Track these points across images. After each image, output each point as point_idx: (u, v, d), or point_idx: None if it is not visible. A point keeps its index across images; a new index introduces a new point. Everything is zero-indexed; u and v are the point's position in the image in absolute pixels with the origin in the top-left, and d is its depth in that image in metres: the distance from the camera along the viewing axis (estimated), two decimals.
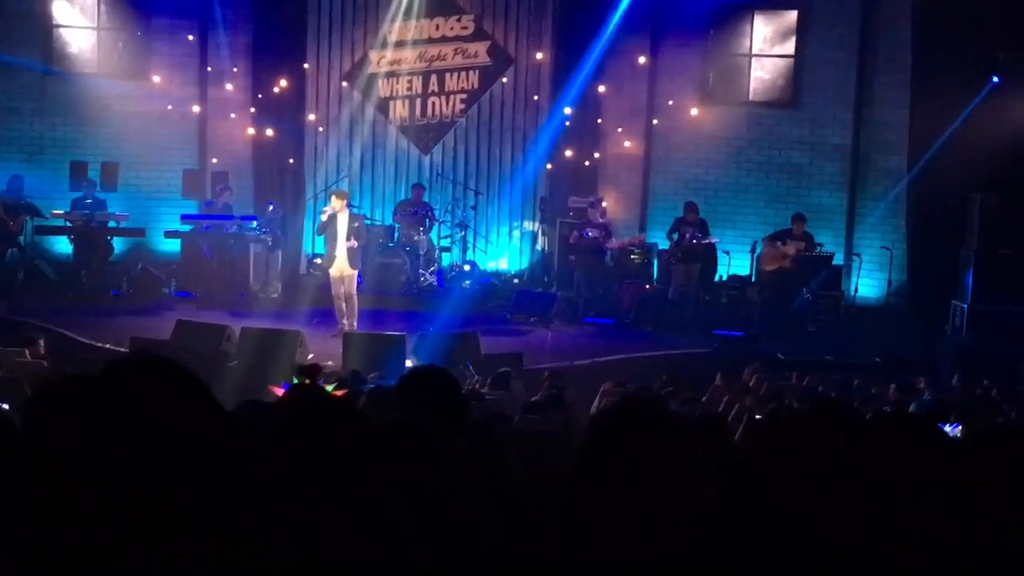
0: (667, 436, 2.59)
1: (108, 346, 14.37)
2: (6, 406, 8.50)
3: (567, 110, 19.07)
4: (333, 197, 15.76)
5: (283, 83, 19.07)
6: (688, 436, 2.60)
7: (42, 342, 13.00)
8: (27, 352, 12.61)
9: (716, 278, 18.42)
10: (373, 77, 19.74)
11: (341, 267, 15.47)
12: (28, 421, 3.70)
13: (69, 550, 1.86)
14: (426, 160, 20.04)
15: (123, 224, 18.45)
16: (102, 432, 1.91)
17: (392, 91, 19.81)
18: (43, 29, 19.07)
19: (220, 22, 19.26)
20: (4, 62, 18.73)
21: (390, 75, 19.73)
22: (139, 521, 1.88)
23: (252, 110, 19.37)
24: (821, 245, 17.88)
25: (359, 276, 16.10)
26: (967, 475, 2.62)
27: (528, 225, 19.98)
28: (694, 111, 19.39)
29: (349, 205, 16.18)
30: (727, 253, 18.12)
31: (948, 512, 2.57)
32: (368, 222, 18.36)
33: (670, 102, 19.52)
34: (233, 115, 19.49)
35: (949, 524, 2.55)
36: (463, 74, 19.82)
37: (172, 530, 1.89)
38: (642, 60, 19.39)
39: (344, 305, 15.58)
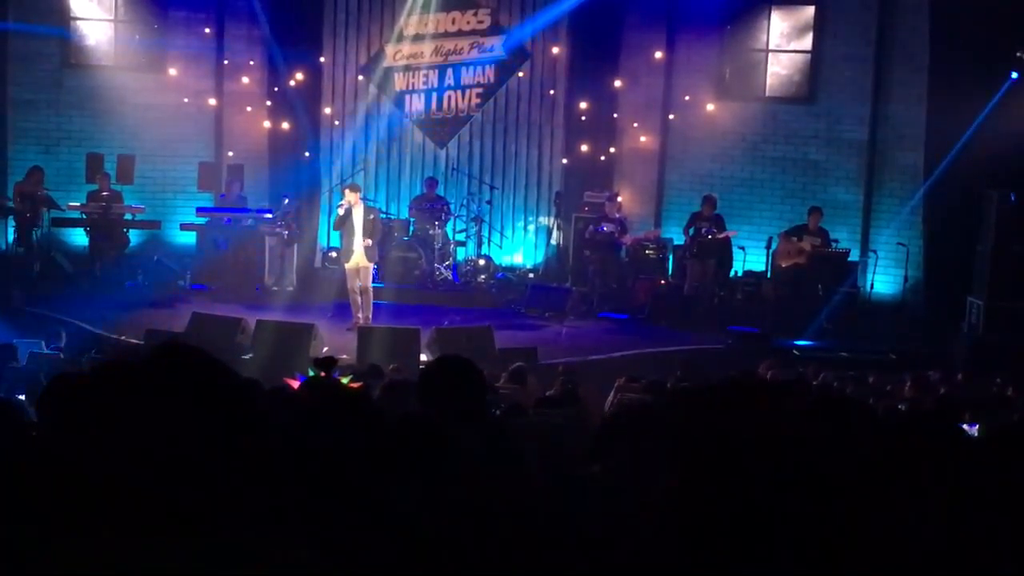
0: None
1: (124, 338, 14.41)
2: (22, 397, 8.54)
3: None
4: (347, 191, 15.79)
5: (299, 76, 19.10)
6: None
7: (63, 335, 13.06)
8: (43, 344, 12.67)
9: (731, 274, 18.38)
10: (389, 71, 19.74)
11: (357, 260, 15.50)
12: (42, 412, 3.71)
13: (80, 539, 1.86)
14: (442, 154, 20.03)
15: (139, 217, 18.52)
16: (116, 423, 1.91)
17: (408, 85, 19.81)
18: (61, 22, 19.13)
19: (236, 15, 19.32)
20: (24, 33, 18.79)
21: (406, 69, 19.74)
22: (152, 513, 1.88)
23: (268, 103, 19.42)
24: (837, 241, 17.83)
25: (374, 270, 16.13)
26: (986, 473, 2.61)
27: (543, 220, 19.96)
28: (710, 106, 19.35)
29: (364, 199, 16.20)
30: (742, 249, 18.08)
31: (966, 510, 2.56)
32: (383, 216, 18.39)
33: (686, 97, 19.49)
34: (249, 108, 19.54)
35: (966, 523, 2.54)
36: (479, 68, 19.81)
37: (186, 523, 1.89)
38: (658, 55, 19.36)
39: (359, 298, 15.61)
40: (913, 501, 2.65)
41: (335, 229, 16.49)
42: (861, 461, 2.33)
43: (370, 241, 15.52)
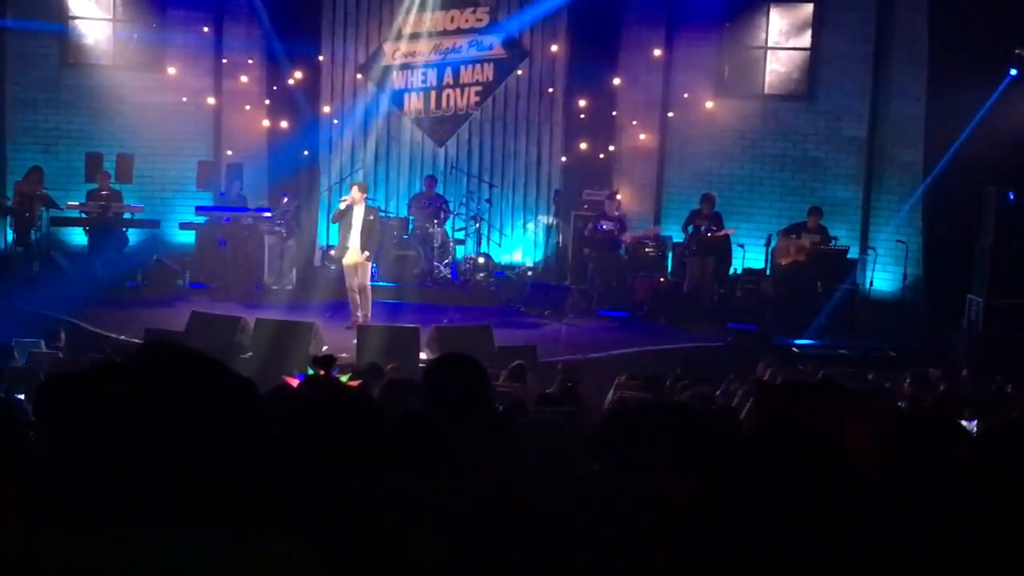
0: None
1: (123, 337, 14.39)
2: (21, 396, 8.53)
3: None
4: (355, 188, 15.75)
5: (298, 75, 19.09)
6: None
7: (63, 335, 13.04)
8: (43, 343, 12.66)
9: (731, 271, 18.38)
10: (388, 69, 19.73)
11: (354, 257, 15.49)
12: (38, 410, 3.71)
13: (74, 538, 1.85)
14: (440, 152, 20.03)
15: (138, 216, 18.50)
16: (112, 421, 1.91)
17: (407, 83, 19.81)
18: (59, 20, 19.13)
19: (235, 14, 19.34)
20: (23, 31, 18.84)
21: (405, 67, 19.73)
22: (148, 512, 1.88)
23: (267, 102, 19.41)
24: (836, 239, 17.83)
25: (373, 268, 16.12)
26: (988, 470, 2.60)
27: (542, 218, 19.96)
28: (709, 104, 19.35)
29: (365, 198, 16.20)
30: (742, 246, 18.08)
31: (967, 507, 2.56)
32: (383, 214, 18.38)
33: (685, 95, 19.49)
34: (248, 107, 19.53)
35: (968, 519, 2.53)
36: (478, 66, 19.80)
37: (183, 522, 1.89)
38: (657, 53, 19.36)
39: (358, 297, 15.59)
40: (915, 498, 2.65)
41: (333, 221, 16.51)
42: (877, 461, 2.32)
43: (368, 253, 15.53)
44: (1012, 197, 15.88)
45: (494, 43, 19.71)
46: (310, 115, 19.41)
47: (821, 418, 2.31)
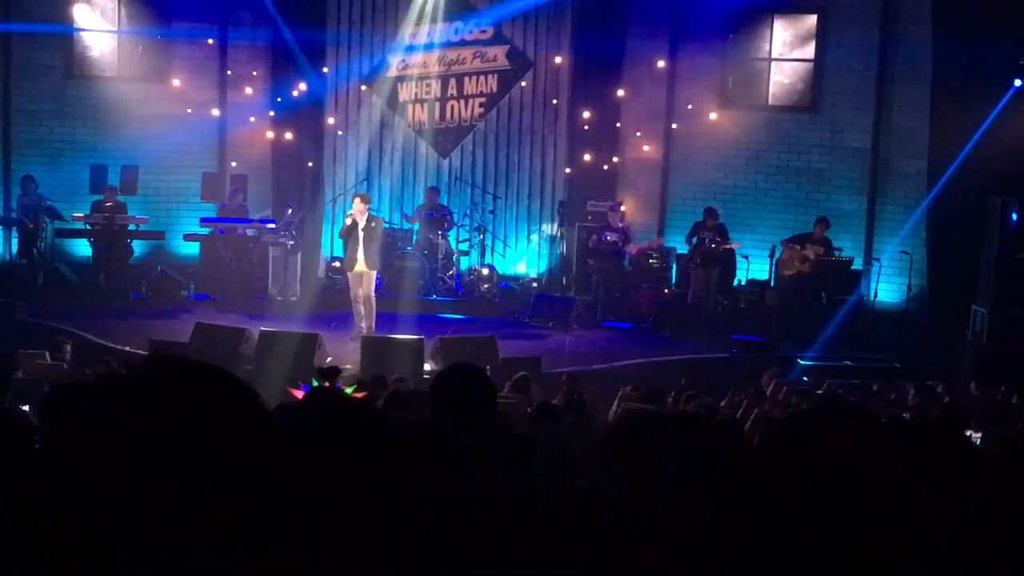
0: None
1: (127, 349, 14.41)
2: (26, 408, 8.53)
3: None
4: (356, 200, 15.81)
5: (302, 87, 19.10)
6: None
7: (68, 347, 13.04)
8: (47, 354, 12.65)
9: (735, 282, 18.38)
10: (392, 81, 19.74)
11: (359, 268, 15.51)
12: (43, 420, 3.71)
13: (82, 553, 1.85)
14: (444, 164, 20.04)
15: (142, 227, 18.50)
16: (117, 432, 1.90)
17: (411, 95, 19.82)
18: (64, 23, 19.15)
19: (240, 26, 19.38)
20: (28, 43, 18.90)
21: (409, 79, 19.74)
22: (152, 523, 1.87)
23: (271, 113, 19.42)
24: (840, 250, 17.82)
25: (377, 279, 16.12)
26: (997, 482, 2.59)
27: (547, 229, 19.95)
28: (713, 115, 19.35)
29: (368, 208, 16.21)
30: (746, 258, 18.08)
31: (975, 518, 2.55)
32: (387, 225, 18.36)
33: (689, 106, 19.49)
34: (252, 119, 19.53)
35: (976, 530, 2.52)
36: (482, 78, 19.82)
37: (186, 534, 1.88)
38: (661, 64, 19.37)
39: (362, 308, 15.60)
40: (921, 510, 2.64)
41: (340, 238, 16.52)
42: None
43: (370, 258, 15.56)
44: (1015, 216, 15.84)
45: (498, 55, 19.73)
46: (314, 127, 19.42)
47: (827, 443, 2.30)
